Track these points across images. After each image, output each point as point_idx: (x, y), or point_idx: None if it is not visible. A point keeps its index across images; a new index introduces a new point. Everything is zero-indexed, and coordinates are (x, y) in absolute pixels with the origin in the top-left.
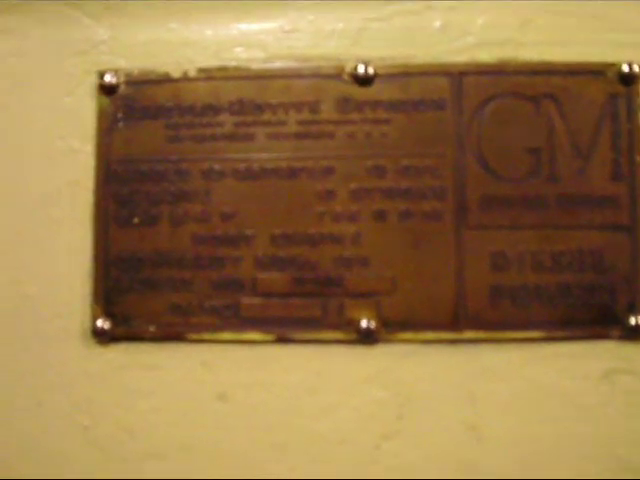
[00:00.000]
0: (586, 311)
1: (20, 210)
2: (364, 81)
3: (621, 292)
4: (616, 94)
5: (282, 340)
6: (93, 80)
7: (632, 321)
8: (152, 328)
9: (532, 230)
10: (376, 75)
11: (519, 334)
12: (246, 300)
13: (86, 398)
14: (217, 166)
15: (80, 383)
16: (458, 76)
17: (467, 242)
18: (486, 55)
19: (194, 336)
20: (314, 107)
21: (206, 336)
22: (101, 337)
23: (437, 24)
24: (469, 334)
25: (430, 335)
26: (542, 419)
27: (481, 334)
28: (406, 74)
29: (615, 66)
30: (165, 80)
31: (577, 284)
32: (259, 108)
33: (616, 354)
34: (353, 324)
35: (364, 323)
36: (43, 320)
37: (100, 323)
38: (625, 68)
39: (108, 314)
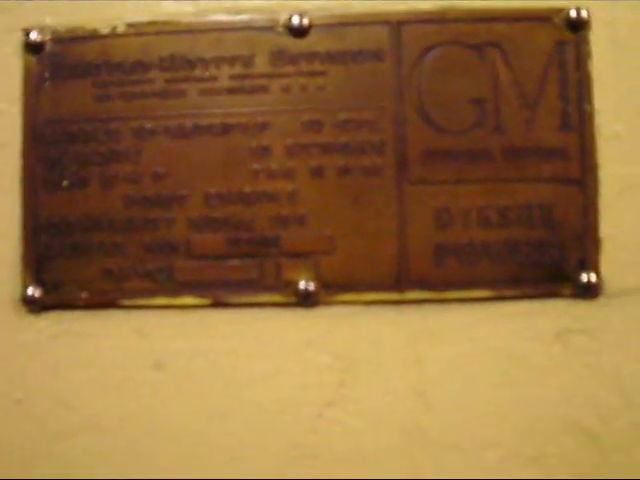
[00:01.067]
0: (536, 268)
1: None
2: (299, 32)
3: (572, 248)
4: (564, 41)
5: (218, 304)
6: (18, 38)
7: (584, 278)
8: (84, 295)
9: (477, 184)
10: (311, 26)
11: (466, 294)
12: (180, 263)
13: (18, 370)
14: (148, 125)
15: (11, 354)
16: (397, 25)
17: (409, 198)
18: (427, 2)
19: (127, 302)
20: (247, 61)
21: (140, 302)
22: (32, 306)
23: None
24: (413, 295)
25: (372, 296)
26: (492, 382)
27: (426, 294)
28: (343, 24)
29: (562, 11)
30: (93, 37)
31: (526, 240)
32: (190, 63)
33: (568, 313)
34: (291, 286)
35: (302, 285)
36: None
37: (30, 291)
38: (573, 13)
39: (39, 281)
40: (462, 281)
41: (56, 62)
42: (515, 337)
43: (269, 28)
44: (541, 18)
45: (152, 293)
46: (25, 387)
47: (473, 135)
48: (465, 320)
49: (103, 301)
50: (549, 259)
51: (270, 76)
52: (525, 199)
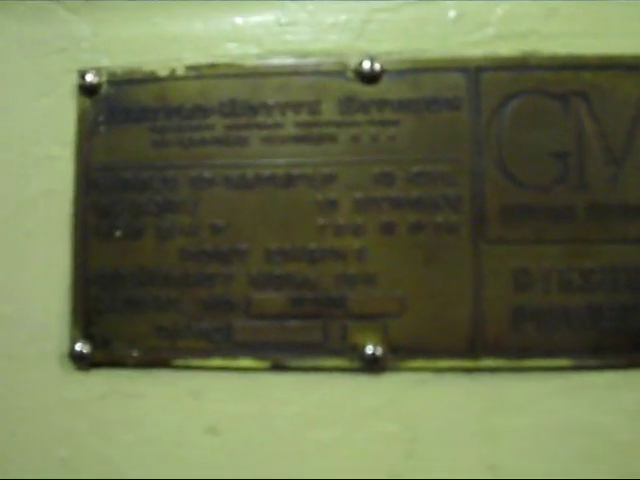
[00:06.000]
0: (620, 336)
1: None
2: (370, 78)
3: None
4: None
5: (278, 367)
6: (73, 80)
7: None
8: (135, 353)
9: (559, 245)
10: (383, 71)
11: (544, 362)
12: (239, 322)
13: (64, 428)
14: (207, 173)
15: (57, 412)
16: (475, 72)
17: (486, 258)
18: (506, 48)
19: (181, 362)
20: (314, 107)
21: (194, 362)
22: (80, 362)
23: (451, 14)
24: (488, 362)
25: (444, 363)
26: (571, 458)
27: (501, 362)
28: (417, 70)
29: None
30: (151, 79)
31: (610, 305)
32: (253, 109)
33: None
34: (357, 350)
35: (369, 349)
36: (17, 342)
37: (79, 347)
38: None
39: (87, 337)
40: (541, 348)
41: (112, 105)
42: (597, 410)
43: (338, 73)
44: (630, 66)
45: (208, 353)
46: (70, 446)
47: (555, 191)
48: (543, 390)
49: (155, 360)
50: (635, 326)
51: (338, 124)
52: (610, 261)
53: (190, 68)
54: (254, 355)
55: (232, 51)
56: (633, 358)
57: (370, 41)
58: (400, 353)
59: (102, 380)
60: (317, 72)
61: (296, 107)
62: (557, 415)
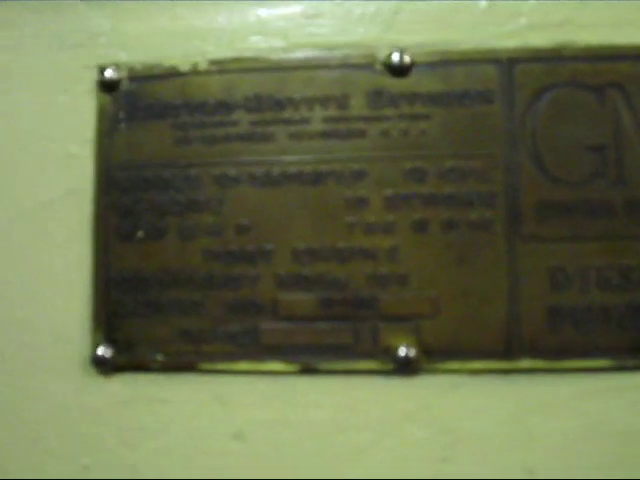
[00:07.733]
0: None
1: (10, 222)
2: (399, 71)
3: None
4: None
5: (308, 371)
6: (92, 76)
7: None
8: (159, 357)
9: (597, 241)
10: (413, 64)
11: (582, 363)
12: (266, 325)
13: (86, 434)
14: (231, 171)
15: (80, 418)
16: (508, 63)
17: (521, 256)
18: (540, 39)
19: (207, 366)
20: (342, 102)
21: (221, 366)
22: (102, 367)
23: (483, 3)
24: (524, 363)
25: (479, 364)
26: (610, 461)
27: (538, 363)
28: (448, 62)
29: None
30: (172, 74)
31: None
32: (279, 104)
33: None
34: (389, 352)
35: (402, 351)
36: (37, 347)
37: (101, 351)
38: None
39: (110, 341)
40: (578, 349)
41: (132, 102)
42: (636, 412)
43: (366, 66)
44: None
45: (234, 357)
46: (93, 453)
47: (592, 186)
48: (581, 392)
49: (180, 364)
50: None
51: (367, 119)
52: None
53: (213, 62)
54: (282, 358)
55: (257, 45)
56: None
57: (399, 32)
58: (434, 355)
59: (125, 385)
60: (344, 65)
61: (323, 101)
62: (596, 417)
